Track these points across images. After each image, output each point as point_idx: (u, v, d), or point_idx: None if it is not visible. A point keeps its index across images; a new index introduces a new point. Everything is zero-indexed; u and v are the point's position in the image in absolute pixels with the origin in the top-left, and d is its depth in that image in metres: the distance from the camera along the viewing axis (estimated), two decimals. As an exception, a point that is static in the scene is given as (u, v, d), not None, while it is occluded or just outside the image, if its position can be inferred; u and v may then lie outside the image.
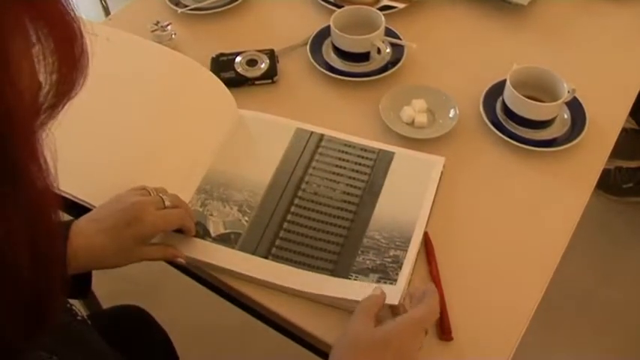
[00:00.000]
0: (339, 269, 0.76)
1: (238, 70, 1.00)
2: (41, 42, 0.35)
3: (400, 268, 0.75)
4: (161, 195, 0.75)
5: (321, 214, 0.81)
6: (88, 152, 0.82)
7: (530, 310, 0.74)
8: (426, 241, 0.79)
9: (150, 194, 0.75)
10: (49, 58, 0.35)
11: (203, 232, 0.79)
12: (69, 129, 0.42)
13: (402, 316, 0.64)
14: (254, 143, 0.90)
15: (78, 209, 0.79)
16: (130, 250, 0.71)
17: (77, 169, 0.70)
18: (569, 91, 0.91)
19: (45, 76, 0.36)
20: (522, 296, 0.76)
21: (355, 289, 0.71)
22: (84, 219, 0.72)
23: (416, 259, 0.77)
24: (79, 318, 0.60)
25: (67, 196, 0.78)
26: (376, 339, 0.61)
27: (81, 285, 0.75)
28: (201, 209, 0.81)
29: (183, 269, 0.82)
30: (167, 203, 0.74)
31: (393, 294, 0.69)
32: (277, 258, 0.77)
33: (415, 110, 0.94)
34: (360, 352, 0.61)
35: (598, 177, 0.88)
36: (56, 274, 0.40)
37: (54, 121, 0.38)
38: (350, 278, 0.74)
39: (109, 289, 1.10)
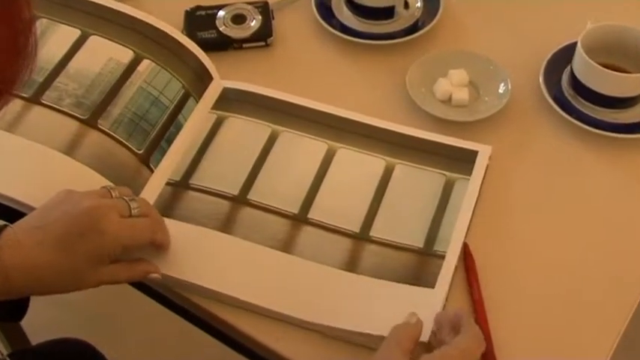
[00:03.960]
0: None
1: (221, 29, 0.98)
2: None
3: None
4: (126, 198, 0.72)
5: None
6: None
7: (606, 350, 0.73)
8: (466, 255, 0.78)
9: (112, 196, 0.73)
10: None
11: None
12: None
13: (444, 349, 0.64)
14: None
15: (10, 215, 0.77)
16: (83, 270, 0.69)
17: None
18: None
19: None
20: (595, 330, 0.74)
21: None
22: (21, 225, 0.69)
23: (452, 278, 0.76)
24: None
25: None
26: None
27: (14, 304, 0.73)
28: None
29: (147, 289, 0.81)
30: (134, 210, 0.71)
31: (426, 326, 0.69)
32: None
33: (453, 84, 0.92)
34: None
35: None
36: None
37: None
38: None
39: (43, 317, 1.08)
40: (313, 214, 0.80)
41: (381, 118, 0.90)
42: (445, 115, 0.90)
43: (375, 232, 0.79)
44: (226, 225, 0.79)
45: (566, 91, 0.92)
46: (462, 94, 0.92)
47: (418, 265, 0.77)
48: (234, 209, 0.81)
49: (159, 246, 0.75)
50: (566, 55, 0.94)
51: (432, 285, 0.75)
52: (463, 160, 0.85)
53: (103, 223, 0.68)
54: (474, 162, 0.85)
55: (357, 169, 0.85)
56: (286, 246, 0.78)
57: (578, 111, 0.90)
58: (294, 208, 0.81)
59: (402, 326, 0.67)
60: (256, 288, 0.75)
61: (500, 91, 0.92)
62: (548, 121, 0.91)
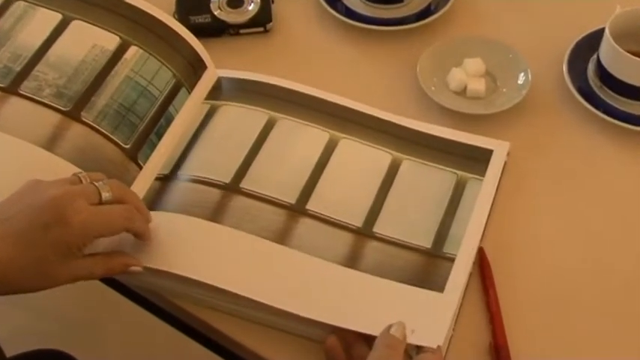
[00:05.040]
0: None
1: (216, 14, 0.98)
2: None
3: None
4: (96, 183, 0.71)
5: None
6: None
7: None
8: (481, 261, 0.78)
9: (81, 182, 0.71)
10: None
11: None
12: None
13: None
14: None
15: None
16: (50, 265, 0.67)
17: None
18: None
19: None
20: (623, 344, 0.73)
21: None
22: None
23: (466, 285, 0.75)
24: None
25: None
26: None
27: None
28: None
29: (131, 294, 0.80)
30: (105, 195, 0.70)
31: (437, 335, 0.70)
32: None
33: (468, 74, 0.92)
34: None
35: None
36: None
37: None
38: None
39: (18, 326, 1.08)
40: (312, 206, 0.79)
41: (390, 111, 0.89)
42: (459, 108, 0.89)
43: (378, 229, 0.78)
44: (215, 214, 0.78)
45: (592, 81, 0.91)
46: (477, 85, 0.91)
47: (425, 267, 0.76)
48: (225, 198, 0.79)
49: (137, 235, 0.74)
50: (592, 42, 0.93)
51: (440, 288, 0.74)
52: (476, 160, 0.85)
53: (69, 213, 0.66)
54: (488, 161, 0.84)
55: (360, 162, 0.84)
56: (281, 237, 0.76)
57: (606, 103, 0.89)
58: (290, 198, 0.79)
59: (395, 327, 0.68)
60: (246, 279, 0.74)
61: (520, 81, 0.91)
62: (572, 114, 0.90)
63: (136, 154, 0.82)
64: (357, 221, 0.79)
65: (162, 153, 0.84)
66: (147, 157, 0.83)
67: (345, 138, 0.85)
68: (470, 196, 0.81)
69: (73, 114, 0.82)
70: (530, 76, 0.91)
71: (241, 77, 0.91)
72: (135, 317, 0.82)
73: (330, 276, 0.75)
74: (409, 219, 0.80)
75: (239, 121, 0.87)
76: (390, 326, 0.67)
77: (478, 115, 0.89)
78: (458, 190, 0.82)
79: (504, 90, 0.91)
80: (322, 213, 0.79)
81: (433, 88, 0.91)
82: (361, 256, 0.77)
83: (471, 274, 0.76)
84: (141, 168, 0.82)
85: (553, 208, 0.83)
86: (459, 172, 0.83)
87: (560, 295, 0.76)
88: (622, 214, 0.82)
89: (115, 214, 0.70)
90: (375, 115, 0.88)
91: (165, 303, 0.78)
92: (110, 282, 0.83)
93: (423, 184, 0.83)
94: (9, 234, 0.67)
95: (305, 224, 0.79)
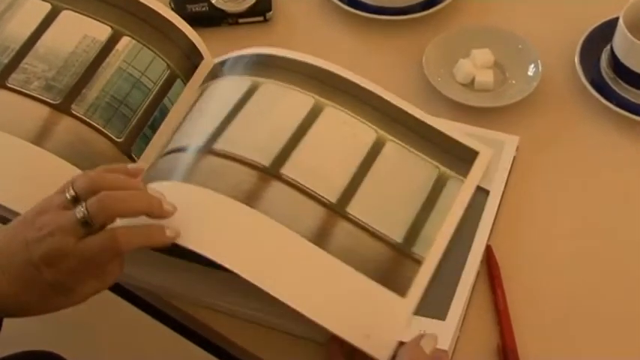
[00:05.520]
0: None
1: (213, 2, 0.98)
2: None
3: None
4: (69, 192, 0.67)
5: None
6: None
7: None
8: (489, 259, 0.78)
9: (69, 198, 0.67)
10: None
11: None
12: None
13: None
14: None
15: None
16: (56, 298, 0.67)
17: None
18: None
19: None
20: (636, 346, 0.73)
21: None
22: None
23: (473, 285, 0.75)
24: None
25: None
26: None
27: None
28: None
29: (124, 293, 0.79)
30: (80, 216, 0.65)
31: (442, 336, 0.69)
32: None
33: (476, 65, 0.92)
34: None
35: None
36: None
37: None
38: None
39: (10, 327, 1.09)
40: (286, 170, 0.77)
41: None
42: (466, 101, 0.89)
43: (352, 210, 0.77)
44: (186, 175, 0.76)
45: (606, 73, 0.91)
46: (486, 77, 0.91)
47: (391, 263, 0.75)
48: (195, 159, 0.77)
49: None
50: (605, 32, 0.92)
51: (402, 292, 0.72)
52: (461, 158, 0.83)
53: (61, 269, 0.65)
54: (472, 162, 0.83)
55: (344, 133, 0.83)
56: (250, 199, 0.74)
57: (619, 96, 0.89)
58: (265, 161, 0.77)
59: (419, 341, 0.67)
60: (208, 238, 0.72)
61: (530, 73, 0.91)
62: (584, 107, 0.90)
63: (130, 148, 0.82)
64: (332, 196, 0.77)
65: (157, 147, 0.82)
66: (141, 151, 0.83)
67: (331, 106, 0.82)
68: (448, 196, 0.80)
69: (63, 107, 0.82)
70: (540, 67, 0.91)
71: (232, 55, 0.90)
72: (127, 317, 0.82)
73: (296, 250, 0.73)
74: (384, 206, 0.78)
75: (224, 89, 0.86)
76: (420, 337, 0.67)
77: (486, 108, 0.88)
78: (438, 186, 0.81)
79: (513, 82, 0.91)
80: (296, 180, 0.76)
81: (439, 80, 0.91)
82: (331, 235, 0.75)
83: (478, 273, 0.75)
84: (134, 162, 0.81)
85: (564, 205, 0.82)
86: (442, 168, 0.82)
87: (571, 295, 0.76)
88: (637, 210, 0.82)
89: (99, 250, 0.66)
90: (367, 87, 0.86)
91: (161, 303, 0.78)
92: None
93: (405, 171, 0.81)
94: (8, 270, 0.66)
95: (277, 189, 0.76)
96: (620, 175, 0.85)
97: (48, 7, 0.88)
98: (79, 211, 0.65)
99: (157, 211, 0.69)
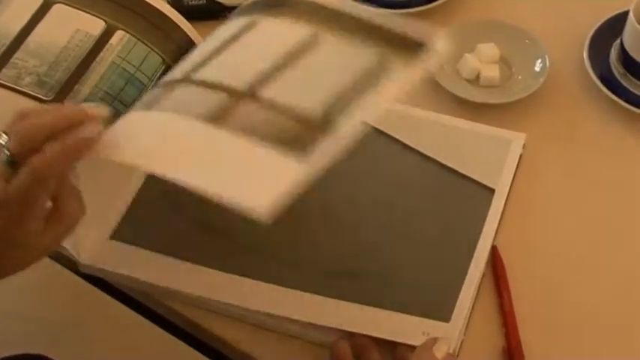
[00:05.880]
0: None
1: (210, -6, 0.96)
2: None
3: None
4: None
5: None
6: None
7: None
8: (495, 260, 0.78)
9: None
10: None
11: None
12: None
13: None
14: None
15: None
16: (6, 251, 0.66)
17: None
18: None
19: None
20: None
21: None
22: None
23: (478, 287, 0.75)
24: None
25: None
26: None
27: None
28: None
29: (116, 293, 0.80)
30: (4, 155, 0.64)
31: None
32: None
33: (481, 60, 0.91)
34: None
35: None
36: None
37: None
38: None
39: (1, 329, 1.09)
40: (199, 75, 0.74)
41: (397, 100, 0.87)
42: (472, 97, 0.88)
43: (263, 94, 0.71)
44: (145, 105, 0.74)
45: (615, 68, 0.91)
46: (491, 72, 0.90)
47: (299, 132, 0.67)
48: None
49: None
50: (615, 26, 0.92)
51: (304, 156, 0.64)
52: (407, 47, 0.74)
53: None
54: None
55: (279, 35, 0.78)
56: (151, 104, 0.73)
57: (629, 92, 0.88)
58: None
59: (433, 343, 0.69)
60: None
61: (537, 68, 0.91)
62: (593, 103, 0.90)
63: None
64: (241, 85, 0.71)
65: None
66: None
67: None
68: (385, 80, 0.71)
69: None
70: (548, 62, 0.90)
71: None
72: (121, 318, 0.82)
73: (187, 131, 0.69)
74: (306, 88, 0.72)
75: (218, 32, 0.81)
76: (434, 340, 0.68)
77: (492, 105, 0.88)
78: (380, 67, 0.73)
79: (520, 77, 0.91)
80: (206, 80, 0.74)
81: (444, 75, 0.90)
82: (230, 115, 0.70)
83: (484, 275, 0.75)
84: None
85: (572, 204, 0.82)
86: (385, 56, 0.73)
87: (580, 296, 0.76)
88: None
89: (21, 184, 0.64)
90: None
91: (154, 303, 0.78)
92: (95, 281, 0.82)
93: (341, 61, 0.74)
94: None
95: (187, 89, 0.74)
96: (630, 173, 0.85)
97: (39, 0, 0.88)
98: (2, 151, 0.65)
99: (78, 117, 0.66)
